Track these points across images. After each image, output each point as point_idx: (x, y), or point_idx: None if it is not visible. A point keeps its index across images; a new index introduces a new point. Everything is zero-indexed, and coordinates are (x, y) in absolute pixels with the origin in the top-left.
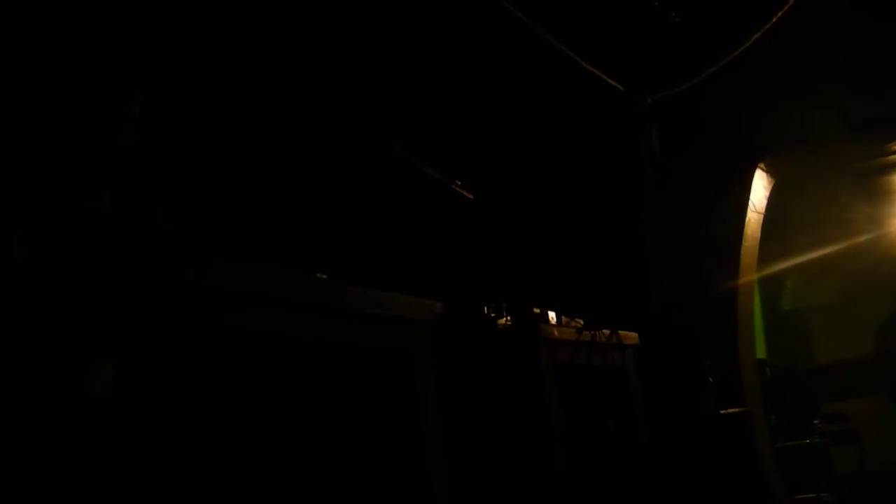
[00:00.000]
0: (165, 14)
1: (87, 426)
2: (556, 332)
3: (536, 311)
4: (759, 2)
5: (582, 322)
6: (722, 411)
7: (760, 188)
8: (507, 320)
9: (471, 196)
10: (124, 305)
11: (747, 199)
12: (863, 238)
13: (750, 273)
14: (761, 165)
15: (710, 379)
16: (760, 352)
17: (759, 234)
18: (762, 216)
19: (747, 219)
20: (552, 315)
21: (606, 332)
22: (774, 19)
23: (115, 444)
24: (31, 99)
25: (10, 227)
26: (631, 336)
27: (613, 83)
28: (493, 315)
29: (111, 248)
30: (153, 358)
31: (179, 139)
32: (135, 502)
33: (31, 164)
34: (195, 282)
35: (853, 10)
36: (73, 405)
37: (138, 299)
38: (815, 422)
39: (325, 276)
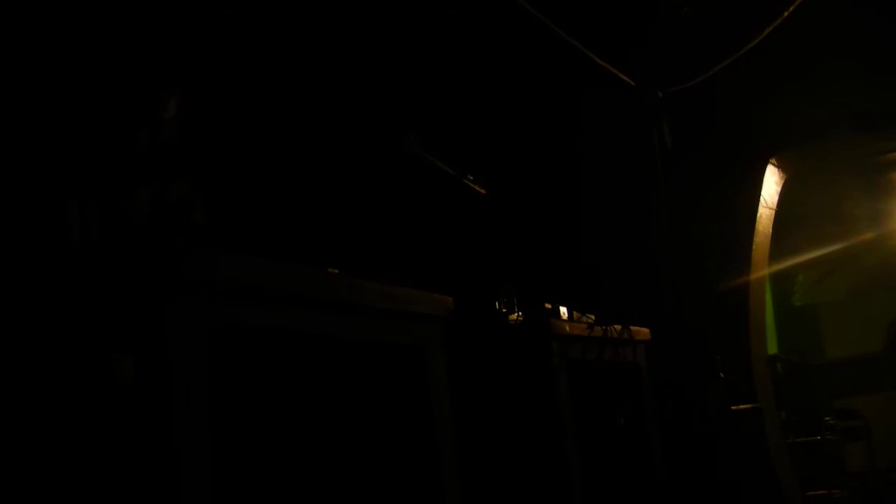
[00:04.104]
0: (168, 14)
1: (98, 422)
2: (567, 328)
3: (548, 306)
4: None
5: (593, 317)
6: (733, 407)
7: (772, 184)
8: (518, 316)
9: (483, 191)
10: (136, 302)
11: (759, 194)
12: (873, 234)
13: (761, 269)
14: (773, 161)
15: (722, 375)
16: (772, 348)
17: (770, 231)
18: (774, 212)
19: (759, 215)
20: (564, 310)
21: (618, 327)
22: (789, 12)
23: (125, 441)
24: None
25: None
26: (643, 332)
27: (625, 78)
28: (504, 310)
29: (122, 245)
30: (164, 355)
31: (189, 137)
32: (146, 501)
33: (36, 164)
34: (208, 278)
35: (862, 5)
36: (84, 399)
37: (149, 296)
38: (827, 418)
39: (336, 271)
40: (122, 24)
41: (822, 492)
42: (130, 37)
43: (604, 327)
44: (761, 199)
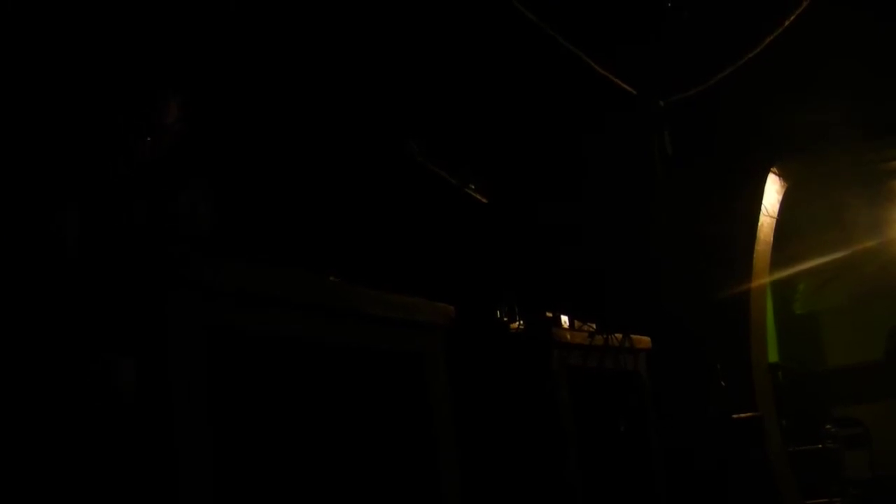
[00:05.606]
0: (171, 19)
1: (98, 425)
2: (568, 336)
3: (549, 314)
4: (768, 4)
5: (594, 326)
6: (734, 415)
7: (773, 192)
8: (519, 324)
9: (484, 200)
10: (136, 305)
11: (760, 203)
12: (874, 241)
13: (762, 277)
14: (774, 169)
15: (723, 383)
16: (773, 356)
17: (771, 238)
18: (775, 220)
19: (760, 223)
20: (564, 319)
21: (619, 335)
22: (790, 21)
23: (123, 444)
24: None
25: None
26: (643, 340)
27: (626, 87)
28: (505, 319)
29: (125, 249)
30: (163, 358)
31: (191, 142)
32: (146, 501)
33: (35, 172)
34: (208, 282)
35: (863, 12)
36: (85, 404)
37: (150, 299)
38: (827, 426)
39: (336, 279)
40: (120, 30)
41: (822, 500)
42: (129, 44)
43: (605, 336)
44: (762, 207)
